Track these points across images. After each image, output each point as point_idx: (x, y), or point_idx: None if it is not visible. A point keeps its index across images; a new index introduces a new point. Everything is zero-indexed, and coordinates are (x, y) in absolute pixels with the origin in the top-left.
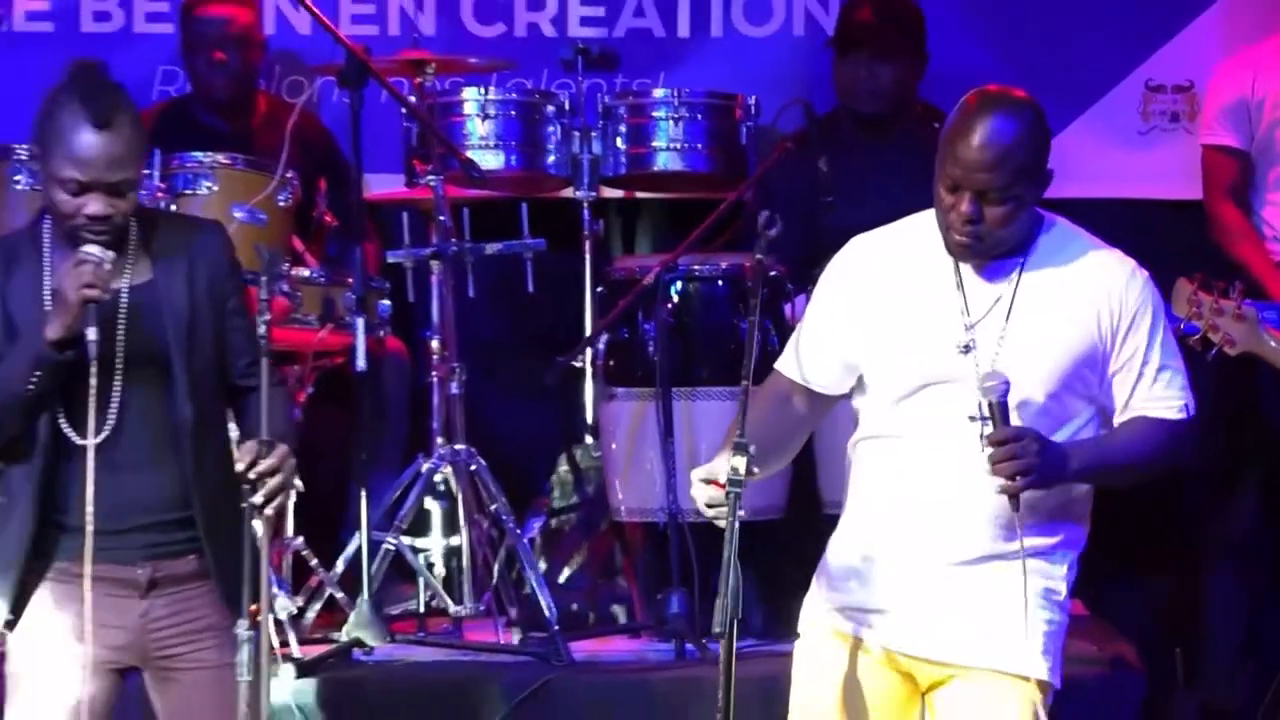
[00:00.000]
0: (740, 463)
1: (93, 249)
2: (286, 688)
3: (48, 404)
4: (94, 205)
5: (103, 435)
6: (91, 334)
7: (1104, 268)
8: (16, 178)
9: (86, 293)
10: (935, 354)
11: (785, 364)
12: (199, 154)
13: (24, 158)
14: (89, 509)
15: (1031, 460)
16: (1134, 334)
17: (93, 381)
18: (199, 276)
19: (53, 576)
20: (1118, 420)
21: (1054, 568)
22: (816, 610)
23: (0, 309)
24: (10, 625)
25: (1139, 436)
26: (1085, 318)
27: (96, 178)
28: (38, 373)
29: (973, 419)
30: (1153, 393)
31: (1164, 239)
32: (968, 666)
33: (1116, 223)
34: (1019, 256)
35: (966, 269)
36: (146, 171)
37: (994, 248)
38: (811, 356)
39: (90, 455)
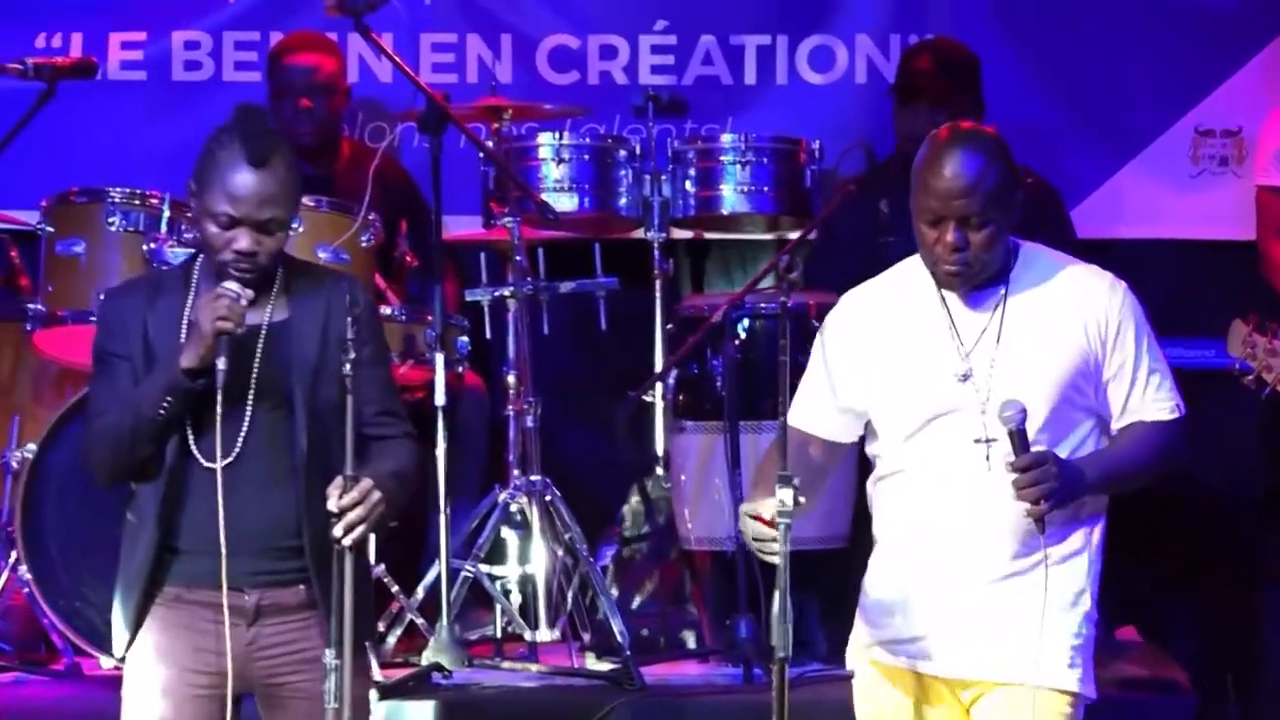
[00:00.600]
0: (788, 495)
1: (231, 285)
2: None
3: (175, 429)
4: (242, 241)
5: (228, 460)
6: (221, 364)
7: (1083, 283)
8: (111, 219)
9: (220, 324)
10: (936, 387)
11: (795, 417)
12: None
13: (118, 200)
14: (221, 533)
15: (1053, 483)
16: (1121, 344)
17: (219, 410)
18: (334, 323)
19: (163, 601)
20: (1115, 426)
21: (1075, 578)
22: (859, 646)
23: (142, 338)
24: (124, 649)
25: (1139, 441)
26: (1073, 331)
27: (247, 214)
28: (169, 399)
29: (978, 441)
30: (1145, 398)
31: (1212, 278)
32: (1000, 683)
33: (1167, 262)
34: (1000, 283)
35: (954, 301)
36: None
37: (981, 272)
38: (817, 409)
39: (219, 480)
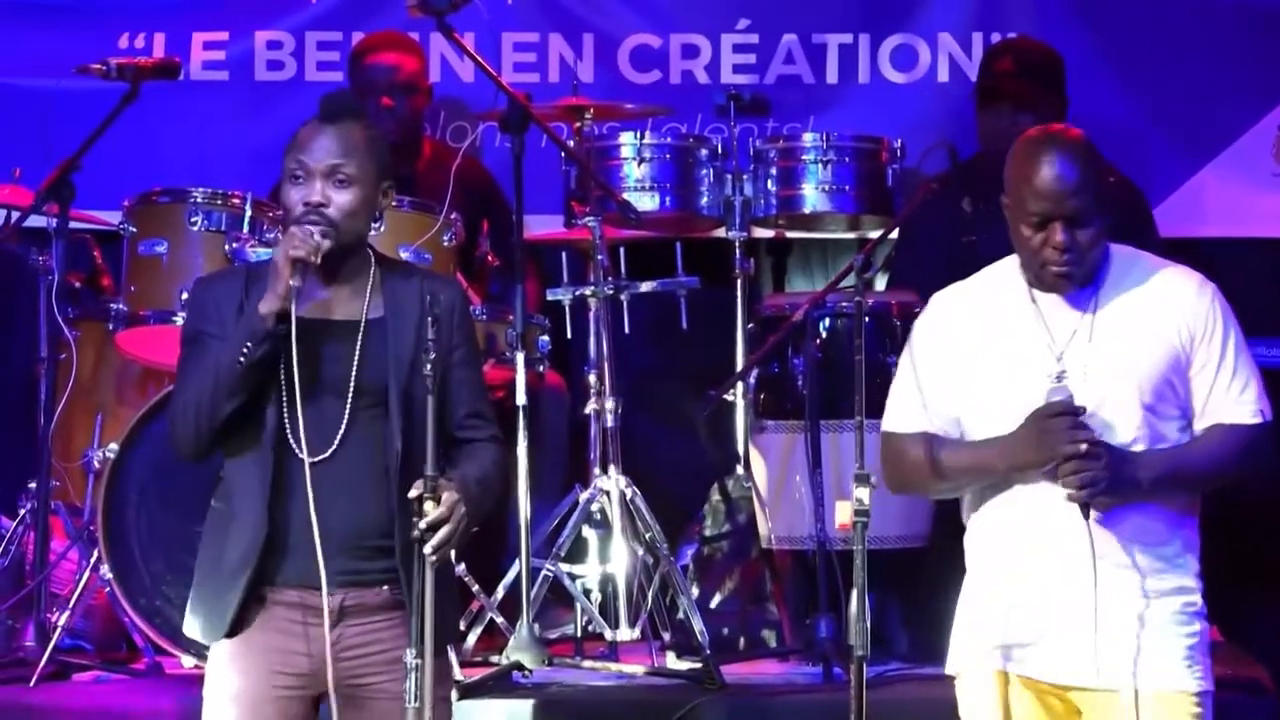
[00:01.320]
0: (864, 494)
1: (306, 225)
2: None
3: (255, 384)
4: (312, 192)
5: (323, 456)
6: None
7: (1174, 284)
8: (193, 219)
9: (294, 252)
10: (1030, 387)
11: (890, 422)
12: None
13: (200, 200)
14: (315, 530)
15: (1097, 471)
16: (1208, 343)
17: (294, 351)
18: (427, 322)
19: (249, 597)
20: (1197, 427)
21: (1181, 578)
22: (966, 649)
23: (235, 321)
24: (210, 636)
25: (1215, 442)
26: (1164, 331)
27: (315, 164)
28: (248, 344)
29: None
30: (1227, 399)
31: None
32: (1120, 689)
33: (1250, 261)
34: (1091, 285)
35: (1045, 302)
36: None
37: (1089, 271)
38: (911, 413)
39: (307, 471)
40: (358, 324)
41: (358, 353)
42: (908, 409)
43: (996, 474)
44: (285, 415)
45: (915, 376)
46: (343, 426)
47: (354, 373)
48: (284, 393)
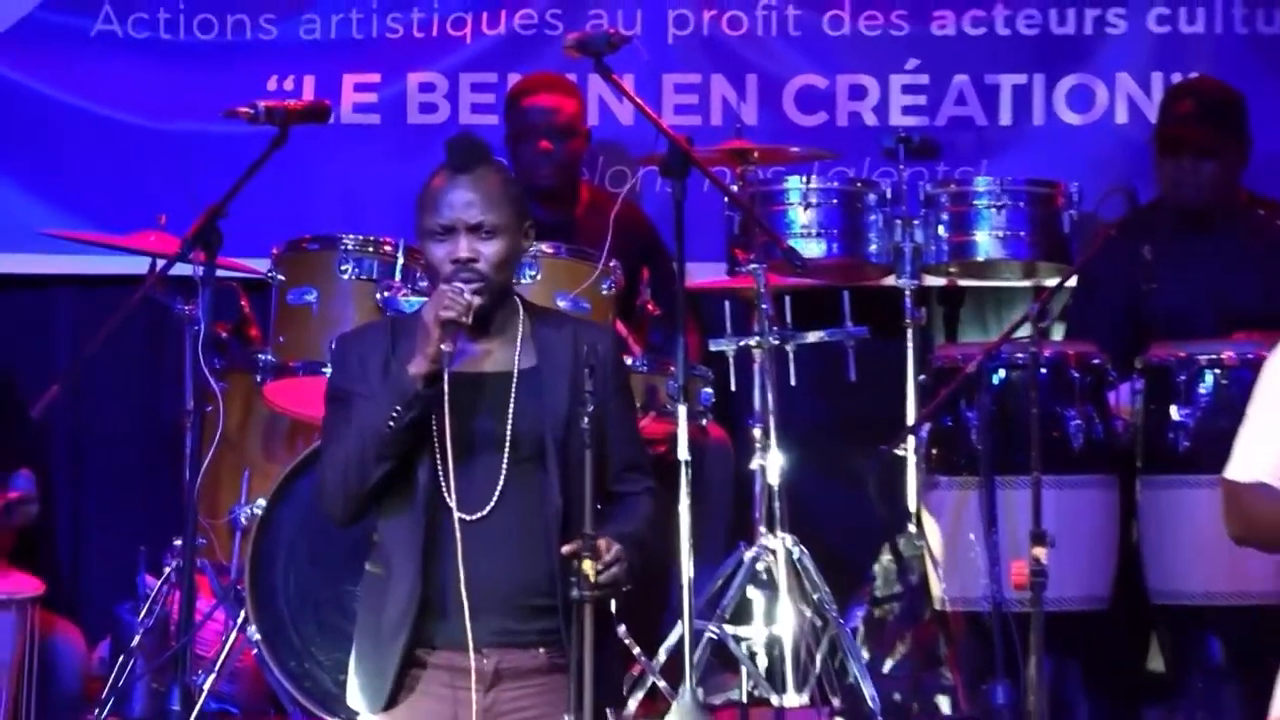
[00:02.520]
0: (1041, 553)
1: (457, 284)
2: None
3: (406, 446)
4: (459, 248)
5: (481, 513)
6: (444, 378)
7: None
8: (344, 267)
9: (444, 313)
10: None
11: (1243, 469)
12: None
13: (351, 247)
14: (462, 588)
15: None
16: None
17: (447, 415)
18: (582, 373)
19: (403, 661)
20: None
21: None
22: None
23: (383, 378)
24: (371, 708)
25: None
26: None
27: (457, 218)
28: (398, 408)
29: None
30: None
31: None
32: None
33: None
34: None
35: None
36: None
37: None
38: (1270, 457)
39: (456, 525)
40: (510, 376)
41: (511, 405)
42: (1254, 454)
43: None
44: (439, 473)
45: (1273, 415)
46: (500, 483)
47: (509, 427)
48: (437, 450)
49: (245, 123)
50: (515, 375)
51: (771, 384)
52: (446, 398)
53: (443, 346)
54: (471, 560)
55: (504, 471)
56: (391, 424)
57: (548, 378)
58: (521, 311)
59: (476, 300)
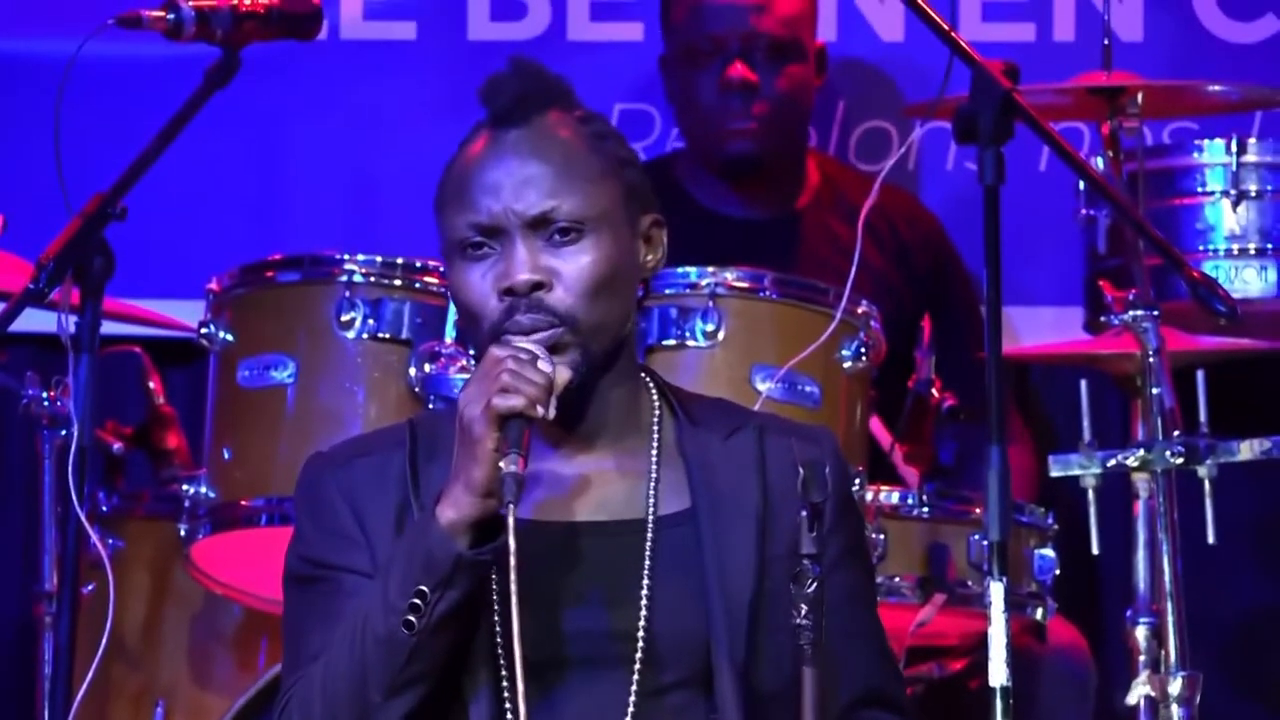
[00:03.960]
0: None
1: (522, 340)
2: None
3: (437, 667)
4: (515, 268)
5: None
6: (511, 519)
7: None
8: (346, 317)
9: (501, 401)
10: None
11: None
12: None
13: (359, 278)
14: None
15: None
16: None
17: (515, 615)
18: (778, 523)
19: None
20: None
21: None
22: None
23: (410, 511)
24: None
25: None
26: None
27: (502, 211)
28: (424, 589)
29: None
30: None
31: None
32: None
33: None
34: None
35: None
36: None
37: None
38: None
39: None
40: (641, 526)
41: (646, 585)
42: None
43: None
44: (506, 702)
45: None
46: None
47: (640, 625)
48: (501, 666)
49: (160, 38)
50: (651, 526)
51: (1171, 541)
52: (514, 568)
53: (502, 466)
54: None
55: (631, 707)
56: (412, 626)
57: (712, 528)
58: (656, 399)
59: (565, 373)
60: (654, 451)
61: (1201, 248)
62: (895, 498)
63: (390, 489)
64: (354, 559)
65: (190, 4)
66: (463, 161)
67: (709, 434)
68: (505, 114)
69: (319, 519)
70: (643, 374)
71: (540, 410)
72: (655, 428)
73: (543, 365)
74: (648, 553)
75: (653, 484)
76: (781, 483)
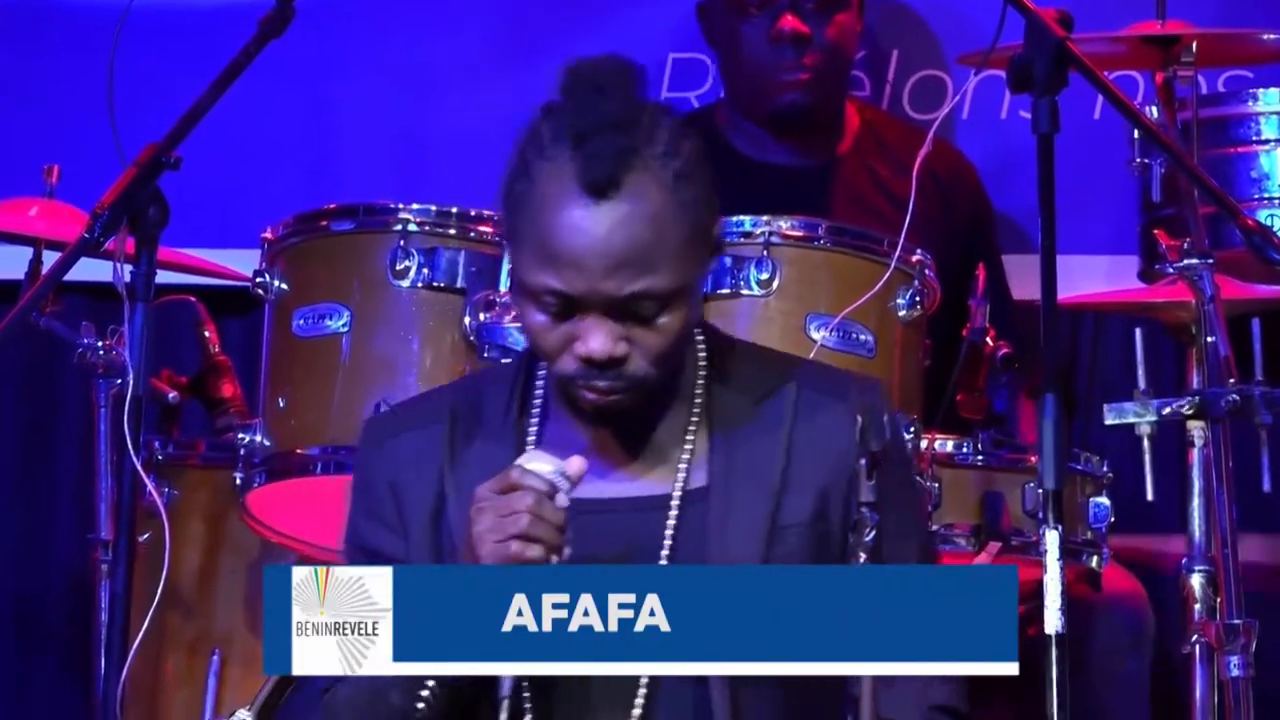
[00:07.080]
0: None
1: (539, 462)
2: None
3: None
4: (594, 342)
5: None
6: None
7: None
8: (400, 265)
9: (523, 553)
10: None
11: None
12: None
13: (413, 228)
14: None
15: None
16: None
17: None
18: (804, 477)
19: None
20: None
21: None
22: None
23: (436, 522)
24: None
25: None
26: None
27: (589, 290)
28: (424, 693)
29: None
30: None
31: None
32: None
33: None
34: None
35: None
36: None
37: None
38: None
39: None
40: (666, 502)
41: (665, 561)
42: None
43: None
44: (525, 692)
45: None
46: (637, 708)
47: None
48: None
49: None
50: (677, 501)
51: (1228, 489)
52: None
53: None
54: None
55: (642, 696)
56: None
57: (725, 505)
58: (703, 361)
59: (579, 465)
60: (691, 422)
61: (1256, 196)
62: (950, 446)
63: (430, 474)
64: (393, 545)
65: None
66: (549, 213)
67: (741, 397)
68: (597, 188)
69: (365, 501)
70: (696, 331)
71: (555, 559)
72: (697, 395)
73: (561, 500)
74: (669, 529)
75: (684, 457)
76: (807, 442)
